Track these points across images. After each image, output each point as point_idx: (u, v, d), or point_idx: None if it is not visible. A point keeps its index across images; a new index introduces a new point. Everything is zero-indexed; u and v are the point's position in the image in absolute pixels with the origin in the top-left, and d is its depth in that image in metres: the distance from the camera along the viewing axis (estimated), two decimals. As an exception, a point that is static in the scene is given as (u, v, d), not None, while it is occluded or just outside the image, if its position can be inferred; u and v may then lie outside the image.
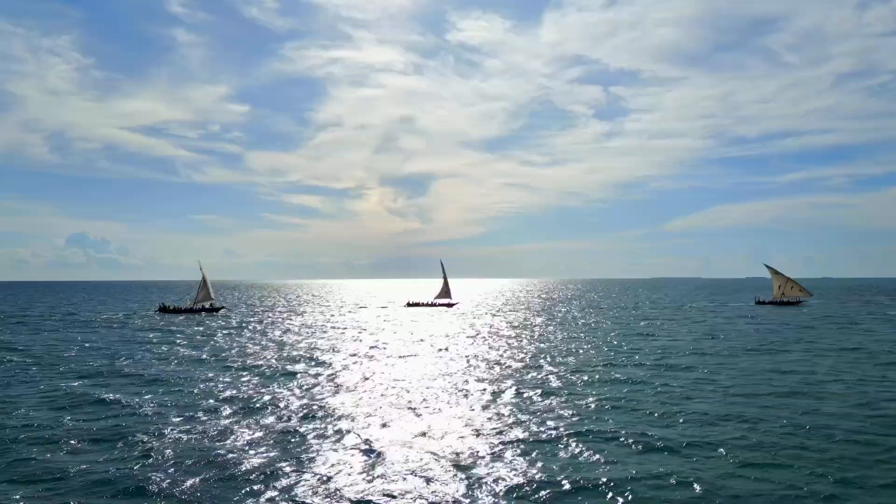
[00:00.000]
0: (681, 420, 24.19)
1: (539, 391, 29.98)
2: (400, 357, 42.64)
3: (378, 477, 17.44)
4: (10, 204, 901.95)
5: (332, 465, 18.46)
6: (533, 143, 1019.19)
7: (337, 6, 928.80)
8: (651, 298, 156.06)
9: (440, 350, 47.01)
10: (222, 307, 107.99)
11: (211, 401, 27.91)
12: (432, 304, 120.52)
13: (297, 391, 30.23)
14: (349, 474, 17.67)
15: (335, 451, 20.02)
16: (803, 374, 34.84)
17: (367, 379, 33.66)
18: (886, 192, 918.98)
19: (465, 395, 29.06)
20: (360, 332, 62.42)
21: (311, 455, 19.56)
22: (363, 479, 17.30)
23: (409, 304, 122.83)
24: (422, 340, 53.85)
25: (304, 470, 18.09)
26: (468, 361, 40.41)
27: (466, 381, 32.69)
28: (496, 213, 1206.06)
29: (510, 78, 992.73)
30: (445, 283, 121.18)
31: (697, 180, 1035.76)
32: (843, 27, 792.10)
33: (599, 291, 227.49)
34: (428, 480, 17.10)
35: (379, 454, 19.46)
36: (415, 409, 26.19)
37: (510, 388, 30.85)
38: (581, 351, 46.34)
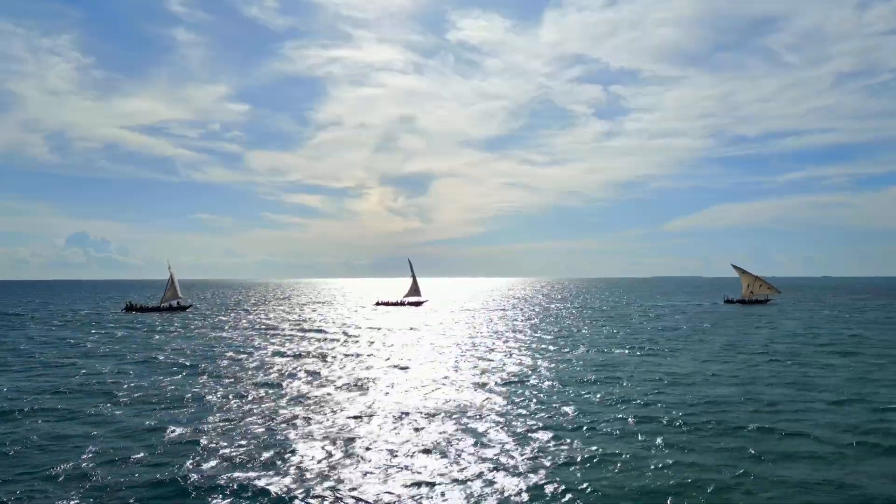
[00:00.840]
0: (452, 402, 26.80)
1: (380, 382, 32.65)
2: (293, 356, 45.06)
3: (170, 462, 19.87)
4: (10, 204, 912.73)
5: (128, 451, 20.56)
6: (533, 143, 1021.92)
7: (337, 5, 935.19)
8: (620, 298, 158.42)
9: (341, 347, 49.71)
10: (189, 305, 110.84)
11: (62, 390, 30.73)
12: (401, 304, 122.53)
13: (159, 382, 32.88)
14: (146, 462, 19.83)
15: (151, 437, 22.23)
16: (630, 367, 37.31)
17: (229, 377, 36.28)
18: (887, 192, 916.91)
19: (311, 387, 31.78)
20: (282, 330, 65.22)
21: (112, 436, 22.15)
22: (159, 463, 19.52)
23: (378, 304, 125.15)
24: (335, 340, 56.25)
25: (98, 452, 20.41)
26: (356, 358, 43.17)
27: (325, 377, 35.40)
28: (496, 212, 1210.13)
29: (510, 77, 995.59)
30: (414, 282, 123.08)
31: (697, 180, 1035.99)
32: (844, 27, 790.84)
33: (578, 290, 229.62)
34: (194, 464, 19.63)
35: (192, 443, 21.41)
36: (244, 401, 28.82)
37: (357, 381, 33.37)
38: (474, 345, 48.98)
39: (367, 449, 20.47)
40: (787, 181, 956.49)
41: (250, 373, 36.22)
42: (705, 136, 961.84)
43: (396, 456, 19.72)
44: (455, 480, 17.51)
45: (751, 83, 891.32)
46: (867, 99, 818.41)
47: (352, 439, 21.63)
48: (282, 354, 44.80)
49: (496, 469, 18.44)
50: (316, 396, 29.11)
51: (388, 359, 42.19)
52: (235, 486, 16.99)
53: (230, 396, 29.17)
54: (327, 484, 17.21)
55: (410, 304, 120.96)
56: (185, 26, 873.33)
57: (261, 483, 17.22)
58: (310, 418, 24.76)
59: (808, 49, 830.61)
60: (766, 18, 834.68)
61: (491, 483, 17.31)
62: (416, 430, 22.91)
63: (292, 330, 65.23)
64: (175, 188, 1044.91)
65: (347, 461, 19.24)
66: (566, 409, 26.38)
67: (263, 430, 23.04)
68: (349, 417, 24.89)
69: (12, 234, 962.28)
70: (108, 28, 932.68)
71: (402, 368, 37.75)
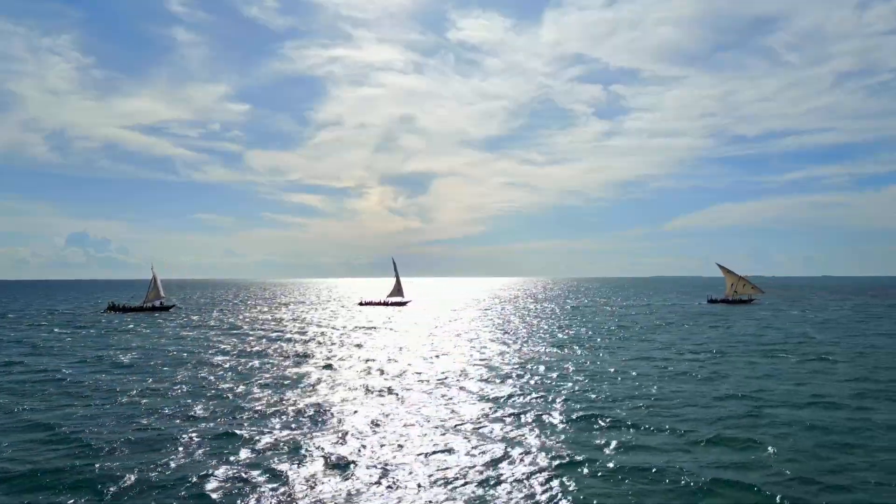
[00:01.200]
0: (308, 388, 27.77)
1: (298, 382, 33.62)
2: (234, 355, 46.08)
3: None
4: (10, 204, 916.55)
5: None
6: (533, 142, 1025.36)
7: (337, 5, 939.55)
8: (604, 297, 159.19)
9: (287, 346, 50.65)
10: (172, 305, 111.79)
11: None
12: (384, 303, 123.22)
13: (80, 379, 33.87)
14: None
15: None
16: (552, 364, 38.11)
17: (153, 375, 37.23)
18: (887, 191, 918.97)
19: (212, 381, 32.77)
20: (242, 329, 66.18)
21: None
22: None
23: (361, 303, 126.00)
24: (288, 340, 57.37)
25: None
26: (294, 357, 44.12)
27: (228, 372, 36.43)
28: (496, 212, 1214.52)
29: (510, 77, 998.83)
30: (398, 282, 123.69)
31: (697, 179, 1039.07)
32: (844, 26, 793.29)
33: (569, 290, 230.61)
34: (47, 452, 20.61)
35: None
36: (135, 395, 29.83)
37: (277, 380, 34.43)
38: (419, 345, 49.93)
39: (239, 448, 21.12)
40: (787, 181, 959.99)
41: (177, 371, 37.09)
42: (705, 136, 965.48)
43: (261, 454, 20.45)
44: (303, 476, 18.37)
45: (751, 83, 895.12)
46: (867, 98, 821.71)
47: (230, 435, 22.39)
48: (225, 353, 45.73)
49: (338, 466, 19.24)
50: (225, 396, 29.83)
51: (329, 358, 42.95)
52: (83, 478, 17.86)
53: (138, 393, 30.01)
54: (181, 477, 18.00)
55: (393, 304, 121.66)
56: (185, 26, 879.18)
57: (109, 475, 18.05)
58: (201, 416, 25.56)
59: (809, 49, 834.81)
60: (766, 18, 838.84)
61: (331, 479, 18.15)
62: (294, 428, 23.70)
63: (253, 329, 66.14)
64: (175, 188, 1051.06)
65: (213, 457, 20.02)
66: (455, 406, 27.16)
67: (148, 426, 23.83)
68: (243, 415, 25.71)
69: (12, 234, 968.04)
70: (108, 28, 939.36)
71: (330, 368, 38.58)
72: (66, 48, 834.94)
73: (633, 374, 35.18)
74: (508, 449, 20.53)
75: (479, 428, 23.32)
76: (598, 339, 53.80)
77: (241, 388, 31.36)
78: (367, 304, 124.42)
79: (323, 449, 20.71)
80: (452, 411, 26.09)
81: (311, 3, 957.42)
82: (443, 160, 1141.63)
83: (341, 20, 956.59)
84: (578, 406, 26.81)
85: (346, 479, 17.81)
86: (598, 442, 21.32)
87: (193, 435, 22.38)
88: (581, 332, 60.83)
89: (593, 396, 28.83)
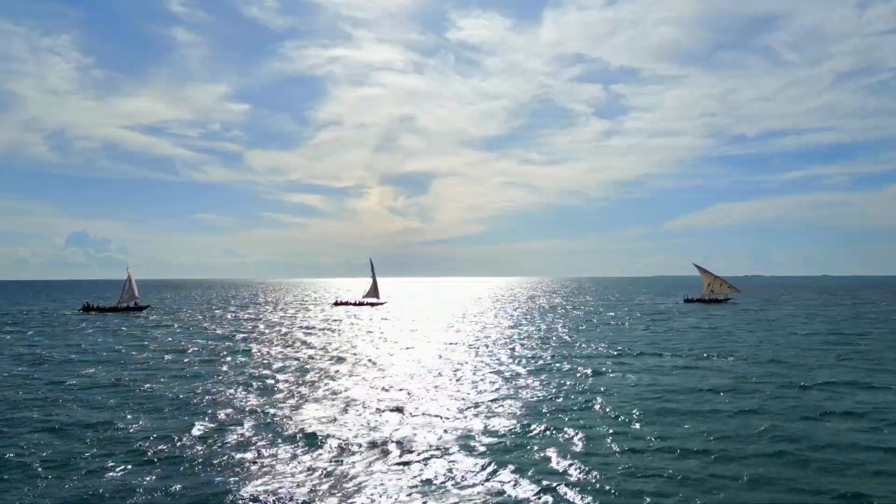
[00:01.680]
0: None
1: (208, 378, 35.03)
2: (161, 351, 47.50)
3: None
4: (10, 204, 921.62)
5: None
6: (533, 142, 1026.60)
7: (337, 5, 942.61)
8: (583, 297, 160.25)
9: (225, 344, 52.13)
10: (147, 306, 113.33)
11: None
12: (360, 304, 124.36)
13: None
14: None
15: None
16: (466, 360, 39.36)
17: (67, 369, 38.66)
18: (887, 191, 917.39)
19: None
20: (190, 329, 67.69)
21: None
22: None
23: (336, 304, 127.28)
24: (226, 338, 58.76)
25: None
26: (228, 356, 45.61)
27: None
28: (496, 211, 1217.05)
29: (510, 76, 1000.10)
30: (374, 283, 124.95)
31: (697, 179, 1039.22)
32: (844, 26, 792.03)
33: (557, 290, 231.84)
34: None
35: None
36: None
37: (191, 373, 35.86)
38: (351, 346, 51.25)
39: (69, 437, 22.43)
40: (787, 180, 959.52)
41: (79, 368, 38.43)
42: (705, 136, 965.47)
43: (93, 443, 21.78)
44: (126, 468, 19.61)
45: (751, 82, 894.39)
46: (867, 98, 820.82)
47: (53, 430, 23.51)
48: (148, 350, 47.30)
49: (152, 462, 20.53)
50: (102, 391, 31.24)
51: (244, 355, 44.33)
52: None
53: (23, 387, 31.49)
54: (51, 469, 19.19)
55: (369, 304, 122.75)
56: (185, 26, 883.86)
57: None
58: (56, 406, 27.06)
59: (809, 48, 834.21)
60: (766, 17, 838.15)
61: (146, 471, 19.37)
62: (141, 422, 24.99)
63: (201, 329, 67.62)
64: (175, 188, 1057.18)
65: (35, 446, 21.36)
66: (305, 403, 28.45)
67: (31, 420, 25.26)
68: (98, 408, 27.09)
69: (12, 234, 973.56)
70: (108, 28, 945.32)
71: (234, 366, 39.87)
72: (66, 48, 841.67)
73: (516, 372, 36.37)
74: (324, 445, 21.42)
75: (305, 423, 24.47)
76: (524, 340, 54.61)
77: (128, 383, 32.86)
78: (342, 304, 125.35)
79: (158, 440, 21.90)
80: (297, 410, 27.09)
81: (311, 3, 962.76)
82: (443, 160, 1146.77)
83: (341, 20, 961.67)
84: (434, 404, 27.77)
85: (153, 474, 18.82)
86: (412, 432, 22.62)
87: (22, 426, 23.75)
88: (520, 332, 61.68)
89: (458, 394, 29.92)
